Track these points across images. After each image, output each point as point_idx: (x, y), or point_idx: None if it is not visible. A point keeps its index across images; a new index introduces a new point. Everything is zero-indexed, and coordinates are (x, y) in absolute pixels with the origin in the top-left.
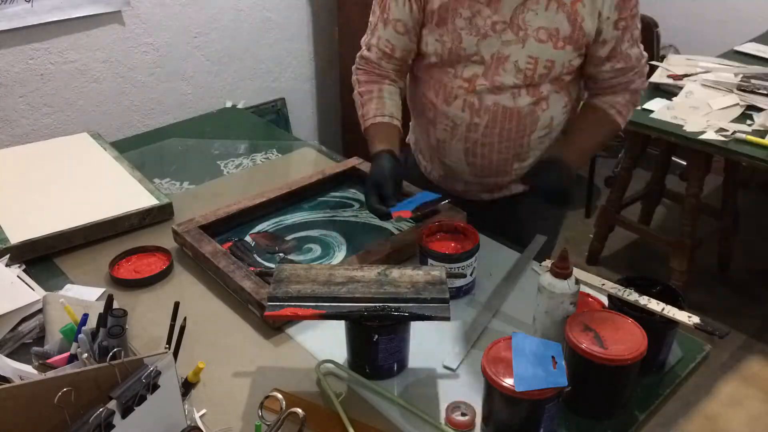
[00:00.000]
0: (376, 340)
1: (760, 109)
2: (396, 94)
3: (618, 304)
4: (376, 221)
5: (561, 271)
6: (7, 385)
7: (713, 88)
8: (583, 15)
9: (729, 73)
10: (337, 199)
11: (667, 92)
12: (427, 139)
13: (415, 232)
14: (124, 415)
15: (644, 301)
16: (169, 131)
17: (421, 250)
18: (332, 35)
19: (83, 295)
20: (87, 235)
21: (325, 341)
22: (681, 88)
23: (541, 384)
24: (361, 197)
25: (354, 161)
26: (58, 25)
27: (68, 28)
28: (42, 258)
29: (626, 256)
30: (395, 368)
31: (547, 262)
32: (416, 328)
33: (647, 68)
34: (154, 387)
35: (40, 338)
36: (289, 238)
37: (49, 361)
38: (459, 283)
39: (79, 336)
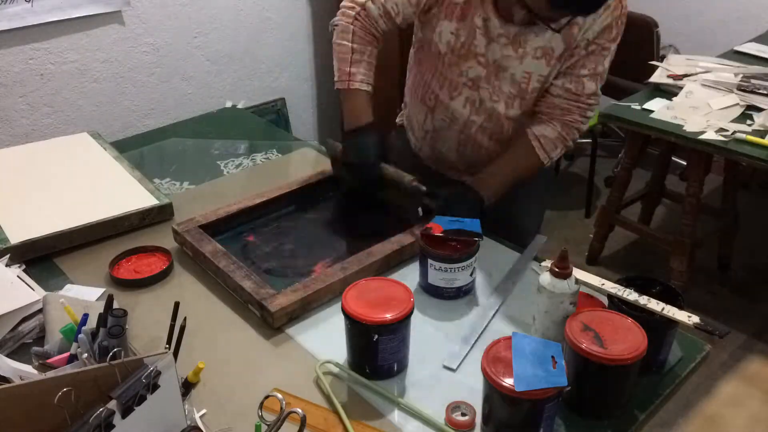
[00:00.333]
0: (376, 340)
1: (760, 109)
2: (376, 58)
3: (618, 304)
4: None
5: (561, 271)
6: (7, 385)
7: (713, 88)
8: (576, 39)
9: (729, 73)
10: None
11: (667, 92)
12: (422, 123)
13: (416, 233)
14: (124, 415)
15: (644, 301)
16: (169, 131)
17: (422, 250)
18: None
19: (83, 295)
20: (87, 235)
21: (325, 341)
22: (681, 88)
23: (541, 384)
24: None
25: None
26: (58, 25)
27: (68, 28)
28: (42, 258)
29: (626, 256)
30: (395, 368)
31: (547, 262)
32: (416, 328)
33: (591, 113)
34: (154, 387)
35: (40, 338)
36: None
37: (49, 361)
38: (459, 283)
39: (79, 336)
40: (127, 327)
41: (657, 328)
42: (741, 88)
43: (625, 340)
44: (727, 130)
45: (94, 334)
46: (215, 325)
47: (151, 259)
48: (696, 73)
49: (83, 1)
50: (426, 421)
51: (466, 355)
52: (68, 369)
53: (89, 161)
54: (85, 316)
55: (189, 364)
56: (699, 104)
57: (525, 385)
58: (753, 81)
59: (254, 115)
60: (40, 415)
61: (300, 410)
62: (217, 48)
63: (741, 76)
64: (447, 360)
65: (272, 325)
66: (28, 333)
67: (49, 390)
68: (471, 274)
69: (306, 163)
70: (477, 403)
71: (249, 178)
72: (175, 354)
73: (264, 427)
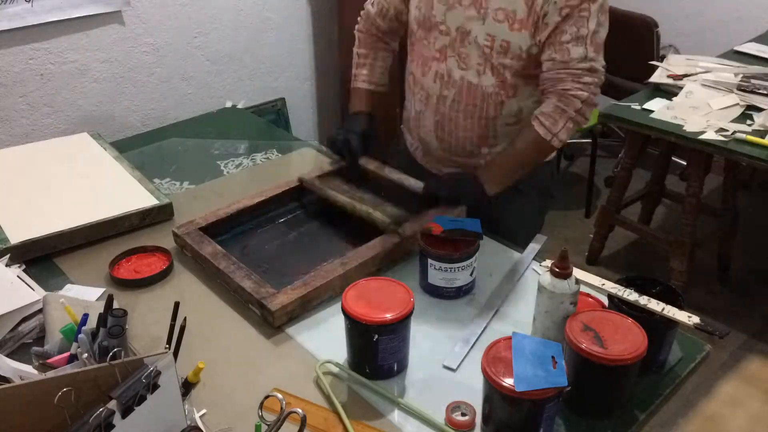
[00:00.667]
0: (376, 340)
1: (760, 109)
2: (388, 58)
3: (618, 304)
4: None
5: (561, 271)
6: (7, 385)
7: (713, 88)
8: (540, 3)
9: (729, 73)
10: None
11: (667, 92)
12: (409, 112)
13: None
14: (124, 415)
15: (644, 301)
16: (169, 131)
17: (422, 250)
18: (332, 35)
19: (83, 295)
20: (87, 235)
21: (325, 341)
22: (681, 88)
23: (541, 384)
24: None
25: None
26: (58, 25)
27: (68, 28)
28: (42, 258)
29: (626, 256)
30: (395, 368)
31: (548, 262)
32: (416, 328)
33: (589, 79)
34: (154, 387)
35: (40, 338)
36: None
37: (49, 361)
38: (459, 283)
39: (79, 336)
40: (127, 327)
41: (657, 328)
42: (741, 88)
43: (625, 340)
44: (727, 130)
45: (94, 334)
46: (215, 325)
47: (151, 259)
48: (696, 73)
49: (83, 1)
50: (426, 421)
51: (466, 355)
52: (68, 369)
53: (89, 161)
54: (85, 316)
55: (189, 364)
56: (699, 104)
57: (525, 385)
58: (753, 81)
59: (254, 115)
60: (40, 415)
61: (300, 410)
62: (217, 48)
63: (741, 76)
64: (447, 360)
65: (273, 324)
66: (28, 333)
67: (49, 390)
68: (471, 274)
69: (306, 163)
70: (477, 403)
71: (249, 178)
72: (175, 354)
73: (264, 427)
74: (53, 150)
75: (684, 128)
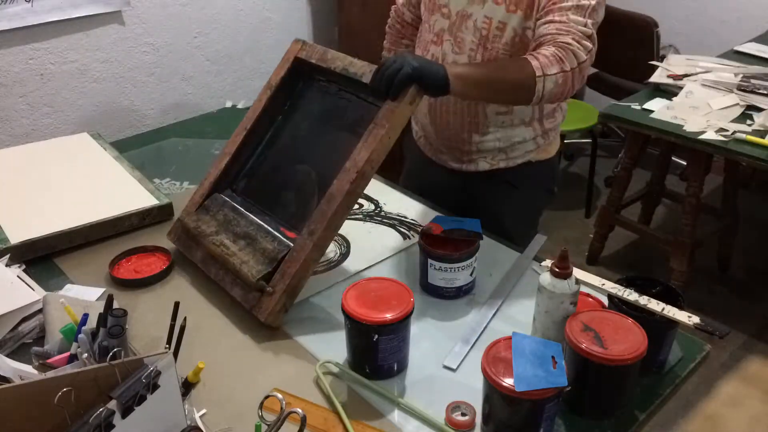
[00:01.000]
0: (376, 340)
1: (760, 109)
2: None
3: (618, 304)
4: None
5: (561, 271)
6: (7, 385)
7: (713, 88)
8: None
9: (729, 73)
10: None
11: (667, 92)
12: None
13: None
14: (124, 415)
15: (644, 301)
16: (169, 131)
17: (422, 250)
18: (332, 35)
19: (83, 295)
20: (87, 235)
21: (325, 341)
22: (681, 88)
23: (541, 384)
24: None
25: (295, 48)
26: (58, 25)
27: (68, 28)
28: (42, 258)
29: (626, 256)
30: (395, 368)
31: (548, 262)
32: (416, 328)
33: (587, 43)
34: (154, 387)
35: (40, 338)
36: None
37: (49, 361)
38: (459, 283)
39: (79, 336)
40: (127, 327)
41: (657, 328)
42: (741, 88)
43: (625, 340)
44: (727, 130)
45: (94, 334)
46: (215, 325)
47: (151, 259)
48: (696, 73)
49: (83, 1)
50: (426, 421)
51: (466, 355)
52: (68, 369)
53: (89, 161)
54: (85, 316)
55: (189, 364)
56: (699, 104)
57: (525, 385)
58: (753, 81)
59: None
60: (40, 415)
61: (300, 410)
62: (217, 48)
63: (741, 76)
64: (447, 360)
65: (272, 324)
66: (28, 333)
67: (49, 390)
68: (471, 274)
69: None
70: (477, 403)
71: None
72: (175, 354)
73: (264, 427)
74: (53, 150)
75: (684, 128)
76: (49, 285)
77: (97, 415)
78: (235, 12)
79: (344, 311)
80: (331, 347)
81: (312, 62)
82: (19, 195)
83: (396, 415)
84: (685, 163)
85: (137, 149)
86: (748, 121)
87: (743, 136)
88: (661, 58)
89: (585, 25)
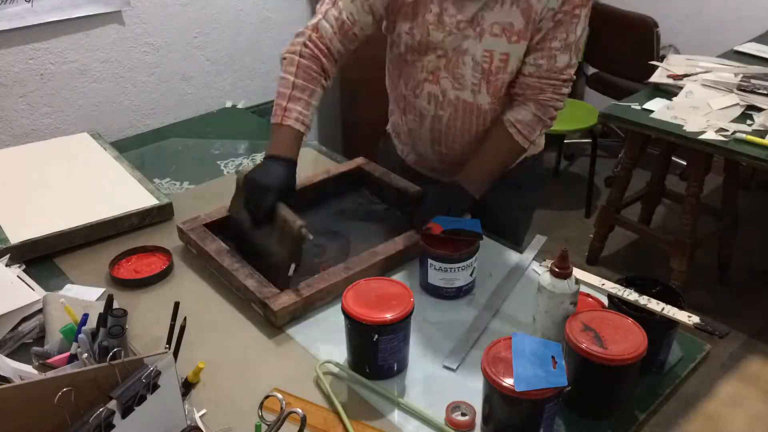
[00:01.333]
0: (376, 340)
1: (760, 109)
2: (322, 98)
3: (618, 304)
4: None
5: (561, 271)
6: (7, 385)
7: (713, 88)
8: (537, 8)
9: (729, 73)
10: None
11: (667, 92)
12: (401, 126)
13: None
14: (124, 415)
15: (644, 301)
16: (169, 131)
17: (422, 250)
18: None
19: (83, 295)
20: (87, 235)
21: (325, 341)
22: (681, 88)
23: (541, 384)
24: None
25: (360, 161)
26: (58, 25)
27: (68, 28)
28: (42, 258)
29: (626, 256)
30: (395, 368)
31: (548, 262)
32: (416, 328)
33: (566, 90)
34: (154, 387)
35: (40, 338)
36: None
37: (49, 361)
38: (459, 283)
39: (79, 336)
40: (127, 327)
41: (657, 328)
42: (741, 88)
43: (625, 340)
44: (727, 130)
45: (94, 334)
46: (215, 325)
47: (151, 259)
48: (696, 73)
49: (83, 1)
50: (426, 421)
51: (466, 355)
52: (68, 369)
53: (89, 161)
54: (85, 316)
55: (189, 364)
56: (699, 104)
57: (525, 385)
58: (753, 81)
59: (254, 115)
60: (40, 415)
61: (300, 410)
62: (217, 48)
63: (741, 76)
64: (447, 360)
65: (275, 323)
66: (28, 333)
67: (49, 390)
68: (471, 274)
69: (306, 163)
70: (477, 403)
71: None
72: (175, 354)
73: (264, 427)
74: (53, 150)
75: (684, 128)
76: (49, 285)
77: (97, 415)
78: (235, 12)
79: (344, 311)
80: (331, 347)
81: None
82: (19, 195)
83: (396, 415)
84: (685, 163)
85: (137, 149)
86: (748, 121)
87: (743, 136)
88: (661, 58)
89: (567, 67)
